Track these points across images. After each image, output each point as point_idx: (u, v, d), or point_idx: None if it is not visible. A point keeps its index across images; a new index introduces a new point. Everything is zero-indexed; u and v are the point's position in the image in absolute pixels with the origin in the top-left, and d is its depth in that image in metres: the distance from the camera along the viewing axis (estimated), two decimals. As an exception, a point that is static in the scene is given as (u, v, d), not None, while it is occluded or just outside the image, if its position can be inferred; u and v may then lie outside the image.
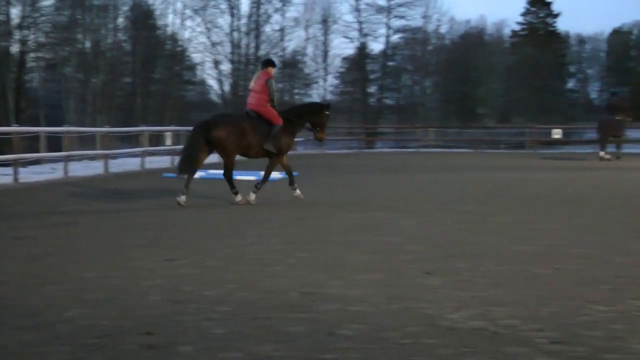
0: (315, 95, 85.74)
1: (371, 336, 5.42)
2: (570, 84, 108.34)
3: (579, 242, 9.70)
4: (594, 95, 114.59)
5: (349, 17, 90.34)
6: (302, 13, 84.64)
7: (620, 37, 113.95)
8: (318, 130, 15.09)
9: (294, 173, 15.36)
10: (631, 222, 11.69)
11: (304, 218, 12.21)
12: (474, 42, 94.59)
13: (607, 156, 30.60)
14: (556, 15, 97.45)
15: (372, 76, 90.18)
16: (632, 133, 51.55)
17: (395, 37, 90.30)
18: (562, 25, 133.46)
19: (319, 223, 11.62)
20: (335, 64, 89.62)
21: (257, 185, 14.68)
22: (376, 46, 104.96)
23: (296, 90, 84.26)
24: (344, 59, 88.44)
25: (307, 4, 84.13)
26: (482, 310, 6.16)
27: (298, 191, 14.77)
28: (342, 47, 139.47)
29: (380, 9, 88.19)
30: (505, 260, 8.40)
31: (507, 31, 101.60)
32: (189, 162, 14.32)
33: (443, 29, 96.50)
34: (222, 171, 14.79)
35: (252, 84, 14.91)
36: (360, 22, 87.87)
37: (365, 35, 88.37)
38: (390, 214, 12.79)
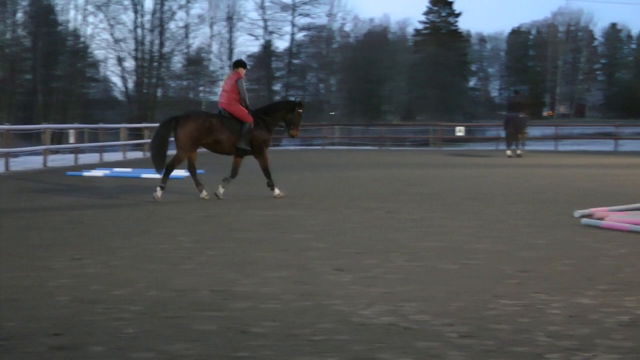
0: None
1: (283, 333, 5.42)
2: (472, 82, 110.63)
3: (485, 237, 9.90)
4: (494, 93, 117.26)
5: (254, 15, 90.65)
6: (207, 10, 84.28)
7: (519, 37, 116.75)
8: (291, 127, 15.43)
9: (199, 171, 15.25)
10: (535, 217, 11.97)
11: (212, 216, 12.14)
12: (378, 40, 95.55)
13: (516, 152, 31.41)
14: (458, 15, 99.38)
15: (277, 74, 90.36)
16: (531, 130, 52.96)
17: (300, 35, 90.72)
18: (464, 24, 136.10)
19: (228, 220, 11.57)
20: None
21: (268, 183, 15.06)
22: (281, 44, 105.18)
23: (201, 88, 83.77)
24: (249, 56, 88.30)
25: (211, 1, 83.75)
26: (392, 306, 6.22)
27: (277, 190, 14.98)
28: (248, 44, 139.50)
29: (285, 7, 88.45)
30: (414, 256, 8.51)
31: (410, 30, 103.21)
32: (159, 157, 14.61)
33: (347, 27, 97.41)
34: (127, 169, 14.59)
35: (222, 84, 15.27)
36: (265, 20, 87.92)
37: (271, 32, 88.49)
38: (298, 211, 12.82)
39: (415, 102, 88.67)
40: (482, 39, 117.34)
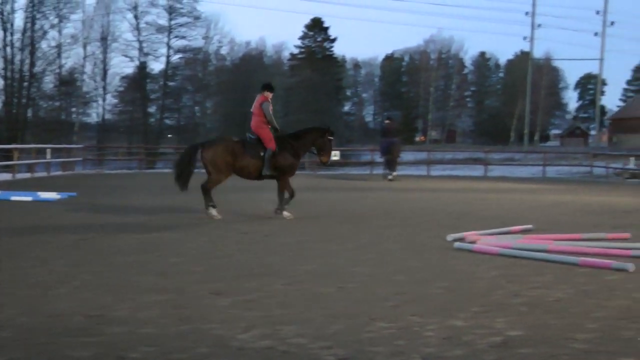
0: (94, 114, 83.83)
1: (161, 359, 5.37)
2: (347, 106, 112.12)
3: (362, 260, 10.02)
4: (368, 118, 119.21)
5: (129, 36, 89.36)
6: (80, 30, 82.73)
7: (392, 63, 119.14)
8: (321, 153, 15.77)
9: (72, 194, 14.92)
10: (409, 240, 12.19)
11: (86, 239, 11.87)
12: (254, 63, 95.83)
13: (390, 176, 32.05)
14: (333, 40, 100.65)
15: (152, 96, 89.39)
16: (405, 155, 53.97)
17: (175, 57, 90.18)
18: (339, 49, 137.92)
19: (102, 244, 11.33)
20: (115, 82, 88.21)
21: (279, 208, 15.51)
22: (157, 66, 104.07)
23: (74, 109, 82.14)
24: (124, 77, 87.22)
25: (85, 21, 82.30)
26: (270, 329, 6.24)
27: (286, 212, 15.31)
28: (122, 65, 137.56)
29: (160, 29, 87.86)
30: (292, 279, 8.55)
31: (286, 54, 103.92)
32: (182, 180, 15.36)
33: (224, 50, 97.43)
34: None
35: (252, 107, 15.67)
36: (140, 41, 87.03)
37: (146, 54, 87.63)
38: (173, 233, 12.68)
39: (291, 125, 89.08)
40: (357, 65, 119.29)
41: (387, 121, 36.22)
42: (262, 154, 15.28)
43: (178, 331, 6.15)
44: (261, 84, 16.12)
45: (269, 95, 15.64)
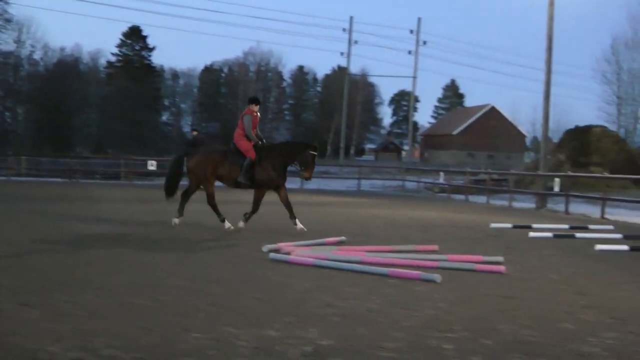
0: None
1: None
2: (165, 116, 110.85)
3: (178, 273, 9.93)
4: (186, 128, 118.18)
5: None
6: None
7: (211, 74, 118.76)
8: (303, 169, 15.62)
9: None
10: (225, 252, 12.19)
11: None
12: (69, 70, 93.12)
13: None
14: (151, 49, 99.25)
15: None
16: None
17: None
18: (157, 59, 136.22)
19: None
20: None
21: (246, 215, 15.82)
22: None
23: None
24: None
25: None
26: (81, 341, 6.11)
27: (300, 224, 15.51)
28: None
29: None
30: (106, 291, 8.39)
31: (103, 61, 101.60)
32: (170, 188, 16.28)
33: (37, 55, 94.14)
34: None
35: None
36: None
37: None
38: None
39: (107, 134, 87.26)
40: (176, 75, 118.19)
41: (194, 133, 36.41)
42: (242, 162, 15.68)
43: (-18, 345, 5.92)
44: (248, 98, 16.67)
45: (255, 108, 15.96)
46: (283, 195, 15.88)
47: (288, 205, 15.76)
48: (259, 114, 16.27)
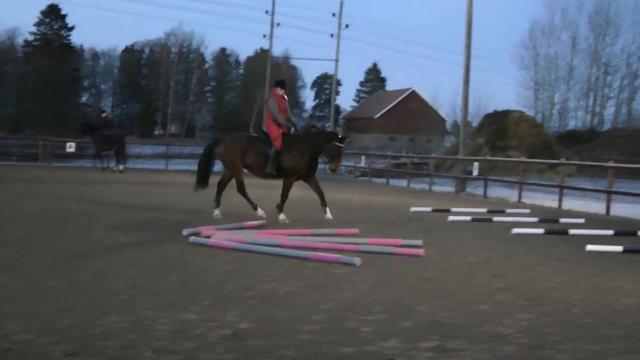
0: None
1: None
2: (84, 97, 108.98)
3: (94, 254, 9.81)
4: (107, 110, 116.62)
5: None
6: None
7: (132, 55, 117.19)
8: (330, 160, 14.84)
9: None
10: (144, 235, 12.06)
11: None
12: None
13: (120, 168, 32.42)
14: (71, 29, 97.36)
15: None
16: (143, 149, 53.41)
17: None
18: (77, 38, 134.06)
19: None
20: None
21: (278, 205, 15.07)
22: None
23: None
24: None
25: None
26: (-5, 326, 5.99)
27: (329, 214, 15.13)
28: None
29: None
30: (20, 273, 8.24)
31: (20, 40, 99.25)
32: (199, 179, 15.59)
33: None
34: None
35: None
36: None
37: None
38: None
39: (25, 115, 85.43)
40: (95, 55, 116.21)
41: (103, 114, 36.66)
42: (267, 151, 14.99)
43: None
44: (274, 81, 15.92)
45: (280, 91, 15.29)
46: (314, 183, 15.34)
47: (320, 193, 15.27)
48: (285, 97, 15.48)
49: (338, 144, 14.68)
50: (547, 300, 8.04)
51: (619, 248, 12.29)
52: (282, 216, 14.81)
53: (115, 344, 5.62)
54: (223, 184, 15.65)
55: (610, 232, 14.88)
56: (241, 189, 15.58)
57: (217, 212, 15.20)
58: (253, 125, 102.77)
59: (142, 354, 5.41)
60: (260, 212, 15.28)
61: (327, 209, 15.14)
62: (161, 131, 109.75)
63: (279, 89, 15.35)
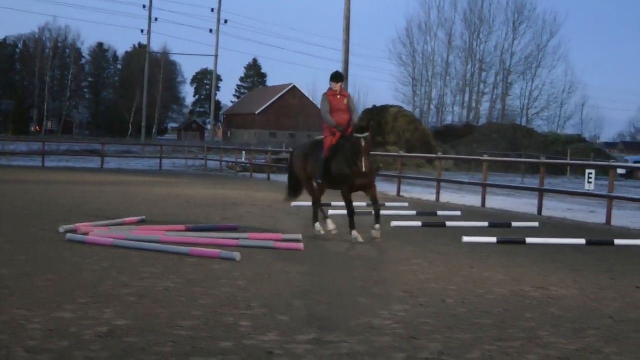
0: None
1: None
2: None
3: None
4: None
5: None
6: None
7: (5, 50, 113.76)
8: (355, 159, 11.97)
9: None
10: (17, 233, 11.74)
11: None
12: None
13: None
14: None
15: None
16: (18, 146, 52.01)
17: None
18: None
19: None
20: None
21: (351, 224, 12.50)
22: None
23: None
24: None
25: None
26: None
27: (332, 225, 12.94)
28: None
29: None
30: None
31: None
32: (289, 188, 13.99)
33: None
34: None
35: None
36: None
37: None
38: None
39: None
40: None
41: None
42: (321, 159, 12.79)
43: None
44: None
45: (335, 86, 12.77)
46: (371, 194, 12.66)
47: (374, 206, 12.50)
48: (344, 92, 13.06)
49: (357, 135, 12.01)
50: (423, 291, 8.21)
51: (494, 239, 12.65)
52: (355, 234, 12.29)
53: (-17, 345, 5.46)
54: (314, 198, 13.46)
55: (485, 224, 15.30)
56: (313, 200, 13.48)
57: (328, 225, 13.07)
58: (131, 122, 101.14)
59: (15, 354, 5.28)
60: (317, 228, 13.13)
61: (377, 226, 12.45)
62: (37, 128, 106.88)
63: (333, 83, 12.81)
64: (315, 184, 12.96)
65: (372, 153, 12.84)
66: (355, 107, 13.07)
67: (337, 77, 12.88)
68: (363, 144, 11.82)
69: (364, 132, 11.95)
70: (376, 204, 12.47)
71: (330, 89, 12.82)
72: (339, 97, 12.76)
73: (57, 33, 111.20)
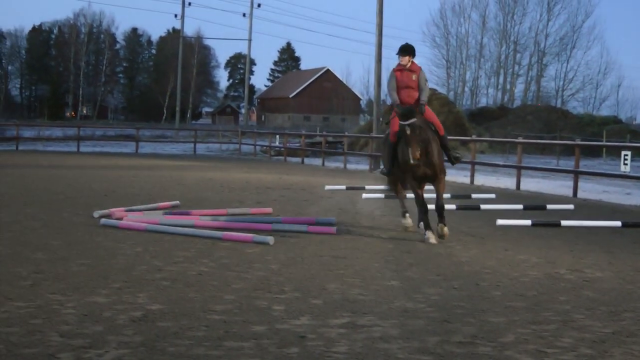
0: None
1: None
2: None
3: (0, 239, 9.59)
4: (15, 92, 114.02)
5: None
6: None
7: (40, 35, 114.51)
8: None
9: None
10: (52, 218, 11.83)
11: None
12: None
13: None
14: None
15: None
16: (54, 131, 52.43)
17: None
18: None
19: None
20: None
21: (423, 222, 10.94)
22: None
23: None
24: None
25: None
26: None
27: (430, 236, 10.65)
28: None
29: None
30: None
31: None
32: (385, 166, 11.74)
33: None
34: None
35: None
36: None
37: None
38: None
39: None
40: (2, 36, 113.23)
41: None
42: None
43: None
44: None
45: (404, 60, 11.21)
46: (436, 188, 11.30)
47: (437, 202, 11.04)
48: (413, 70, 11.28)
49: (401, 122, 10.67)
50: (457, 274, 8.15)
51: (528, 222, 12.54)
52: (431, 237, 10.59)
53: (20, 330, 5.49)
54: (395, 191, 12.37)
55: (519, 206, 15.17)
56: (395, 193, 12.34)
57: (407, 220, 11.86)
58: (166, 106, 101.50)
59: (49, 339, 5.30)
60: (405, 221, 11.84)
61: (443, 228, 10.86)
62: (72, 113, 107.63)
63: (401, 57, 11.26)
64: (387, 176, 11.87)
65: (448, 138, 11.80)
66: (427, 83, 11.42)
67: (405, 50, 11.24)
68: (408, 131, 10.43)
69: (407, 118, 10.49)
70: (439, 200, 11.01)
71: (399, 63, 11.28)
72: (407, 72, 11.20)
73: (91, 18, 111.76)
